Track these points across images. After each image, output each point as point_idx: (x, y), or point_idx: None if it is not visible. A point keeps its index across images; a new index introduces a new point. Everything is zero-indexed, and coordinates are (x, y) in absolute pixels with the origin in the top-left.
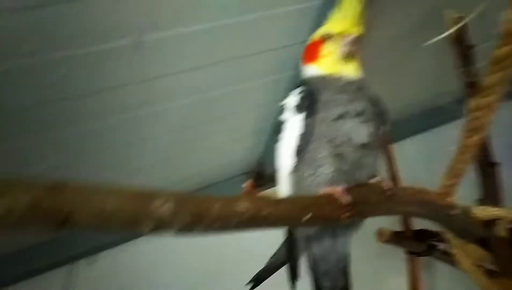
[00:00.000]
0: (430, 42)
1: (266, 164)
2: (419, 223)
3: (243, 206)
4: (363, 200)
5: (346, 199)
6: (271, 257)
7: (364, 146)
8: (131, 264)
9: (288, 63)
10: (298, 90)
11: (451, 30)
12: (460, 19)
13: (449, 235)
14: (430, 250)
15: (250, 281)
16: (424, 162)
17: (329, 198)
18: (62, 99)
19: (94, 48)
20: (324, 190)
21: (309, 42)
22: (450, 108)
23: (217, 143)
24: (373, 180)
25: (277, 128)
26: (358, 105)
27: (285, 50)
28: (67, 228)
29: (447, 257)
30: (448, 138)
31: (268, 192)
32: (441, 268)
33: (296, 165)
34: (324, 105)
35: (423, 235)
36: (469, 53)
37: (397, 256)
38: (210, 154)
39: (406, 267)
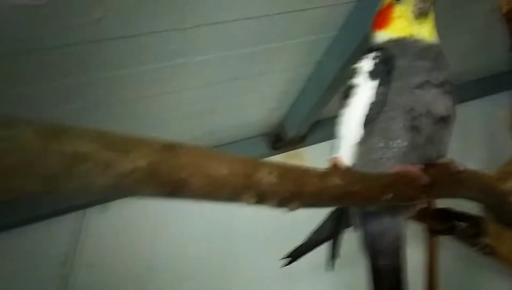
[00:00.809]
0: None
1: (287, 127)
2: (442, 202)
3: (335, 181)
4: (438, 181)
5: (424, 179)
6: (312, 233)
7: (442, 119)
8: (142, 217)
9: (333, 23)
10: (373, 54)
11: None
12: None
13: (489, 220)
14: (452, 230)
15: (287, 256)
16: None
17: (409, 177)
18: (90, 42)
19: None
20: (400, 168)
21: (379, 7)
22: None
23: (241, 102)
24: (444, 160)
25: (346, 92)
26: (440, 74)
27: (331, 9)
28: (179, 194)
29: (469, 238)
30: (483, 112)
31: (287, 155)
32: (453, 247)
33: (365, 136)
34: (402, 72)
35: (445, 215)
36: None
37: (417, 232)
38: (232, 113)
39: (426, 244)
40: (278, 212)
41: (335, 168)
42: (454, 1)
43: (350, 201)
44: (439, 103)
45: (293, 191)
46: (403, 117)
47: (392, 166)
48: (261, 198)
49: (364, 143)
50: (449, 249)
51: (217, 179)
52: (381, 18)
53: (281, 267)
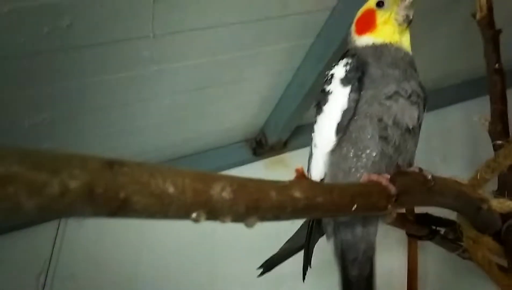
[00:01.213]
0: None
1: (268, 133)
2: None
3: (298, 193)
4: (406, 190)
5: (393, 188)
6: (286, 243)
7: (408, 130)
8: (123, 226)
9: (310, 30)
10: (345, 60)
11: None
12: (490, 1)
13: (465, 226)
14: (432, 235)
15: (261, 266)
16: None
17: (377, 187)
18: (59, 50)
19: None
20: (369, 177)
21: (361, 11)
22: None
23: (219, 109)
24: (413, 169)
25: (318, 98)
26: (409, 85)
27: (309, 16)
28: (122, 214)
29: (448, 243)
30: (465, 116)
31: (268, 161)
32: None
33: (336, 144)
34: (373, 81)
35: (426, 219)
36: (497, 38)
37: (398, 237)
38: (210, 119)
39: (407, 248)
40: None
41: (299, 180)
42: (434, 6)
43: (315, 213)
44: (406, 114)
45: (250, 206)
46: (373, 126)
47: (361, 176)
48: (213, 214)
49: (335, 152)
50: (432, 253)
51: (162, 197)
52: (363, 23)
53: (257, 277)
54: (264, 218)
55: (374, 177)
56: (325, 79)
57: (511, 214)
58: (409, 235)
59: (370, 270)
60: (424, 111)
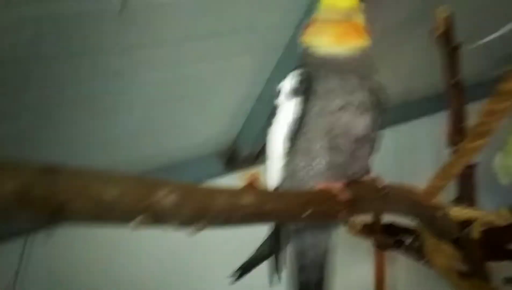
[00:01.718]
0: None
1: (241, 146)
2: (388, 217)
3: (247, 199)
4: (360, 198)
5: (345, 196)
6: (257, 249)
7: (361, 138)
8: (93, 241)
9: (278, 44)
10: (294, 73)
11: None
12: (449, 17)
13: (424, 234)
14: (397, 245)
15: (234, 273)
16: (393, 155)
17: (329, 194)
18: (23, 62)
19: (74, 7)
20: (322, 185)
21: (308, 21)
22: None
23: (191, 122)
24: (367, 177)
25: (271, 112)
26: (359, 95)
27: (276, 30)
28: (61, 219)
29: (413, 252)
30: (419, 133)
31: (241, 173)
32: (404, 262)
33: (289, 154)
34: (323, 93)
35: (391, 230)
36: (455, 54)
37: (366, 248)
38: (182, 132)
39: (374, 259)
40: (240, 230)
41: (250, 186)
42: (399, 22)
43: (266, 219)
44: (358, 123)
45: (196, 212)
46: (324, 137)
47: (314, 185)
48: (159, 219)
49: (287, 162)
50: (401, 263)
51: (104, 202)
52: (308, 31)
53: (230, 284)
54: (212, 223)
55: (326, 185)
56: (276, 92)
57: (469, 222)
58: (376, 245)
59: (322, 275)
60: (382, 115)
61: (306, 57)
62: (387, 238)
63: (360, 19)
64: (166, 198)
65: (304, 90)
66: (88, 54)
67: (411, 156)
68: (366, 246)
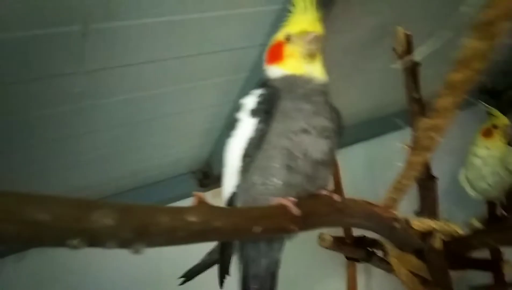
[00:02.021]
0: (400, 63)
1: (213, 164)
2: (359, 230)
3: (194, 217)
4: (314, 212)
5: (296, 211)
6: (207, 254)
7: (320, 162)
8: (65, 265)
9: (244, 65)
10: (258, 91)
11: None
12: (409, 36)
13: (387, 245)
14: (369, 257)
15: (182, 276)
16: (366, 170)
17: (281, 210)
18: None
19: (37, 31)
20: (275, 200)
21: (271, 43)
22: (393, 119)
23: (162, 141)
24: (322, 192)
25: (230, 124)
26: (321, 120)
27: (241, 51)
28: None
29: (384, 264)
30: (391, 147)
31: (214, 192)
32: (378, 274)
33: (245, 170)
34: (285, 115)
35: (362, 242)
36: (416, 70)
37: (338, 261)
38: (154, 152)
39: (346, 271)
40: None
41: (198, 204)
42: (365, 40)
43: (216, 237)
44: (316, 148)
45: (137, 232)
46: (282, 157)
47: (268, 200)
48: (96, 241)
49: (245, 176)
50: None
51: (34, 225)
52: (273, 53)
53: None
54: (154, 243)
55: (278, 200)
56: (238, 107)
57: (432, 233)
58: (348, 258)
59: (272, 286)
60: (338, 139)
61: (270, 76)
62: (358, 250)
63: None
64: (103, 219)
65: (266, 111)
66: (52, 77)
67: (383, 170)
68: (340, 259)
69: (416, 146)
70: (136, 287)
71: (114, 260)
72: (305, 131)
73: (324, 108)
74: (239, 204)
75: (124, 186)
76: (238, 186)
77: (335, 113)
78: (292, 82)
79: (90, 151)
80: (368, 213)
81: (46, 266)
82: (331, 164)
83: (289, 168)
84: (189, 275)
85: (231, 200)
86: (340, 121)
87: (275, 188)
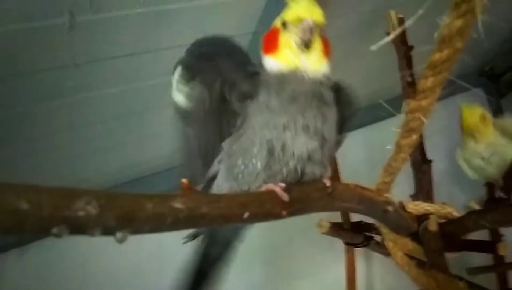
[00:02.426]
0: (377, 44)
1: None
2: (356, 216)
3: (179, 204)
4: (303, 197)
5: (285, 196)
6: None
7: (305, 159)
8: (68, 257)
9: None
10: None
11: (394, 34)
12: (402, 20)
13: (383, 229)
14: (367, 242)
15: (186, 237)
16: (364, 155)
17: (269, 195)
18: None
19: (23, 25)
20: (264, 186)
21: (269, 29)
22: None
23: (159, 132)
24: (313, 178)
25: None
26: (307, 118)
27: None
28: None
29: (382, 248)
30: (389, 133)
31: None
32: (378, 258)
33: (230, 152)
34: (270, 107)
35: (360, 227)
36: (409, 54)
37: (337, 246)
38: (152, 143)
39: (345, 257)
40: None
41: (184, 190)
42: (353, 27)
43: (203, 223)
44: (298, 145)
45: (121, 219)
46: (259, 144)
47: (255, 186)
48: (78, 228)
49: (230, 159)
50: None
51: (15, 213)
52: (268, 42)
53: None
54: (139, 230)
55: (268, 186)
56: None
57: (427, 216)
58: (346, 243)
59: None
60: (349, 123)
61: (263, 66)
62: (356, 235)
63: (320, 38)
64: (85, 206)
65: (249, 96)
66: (41, 71)
67: (381, 156)
68: (339, 244)
69: (404, 129)
70: (138, 279)
71: (117, 252)
72: (285, 127)
73: (312, 106)
74: (221, 183)
75: (121, 179)
76: (221, 163)
77: (343, 101)
78: (282, 80)
79: (87, 144)
80: (359, 197)
81: (49, 259)
82: (322, 161)
83: (269, 156)
84: (194, 235)
85: (213, 179)
86: (350, 108)
87: (255, 171)
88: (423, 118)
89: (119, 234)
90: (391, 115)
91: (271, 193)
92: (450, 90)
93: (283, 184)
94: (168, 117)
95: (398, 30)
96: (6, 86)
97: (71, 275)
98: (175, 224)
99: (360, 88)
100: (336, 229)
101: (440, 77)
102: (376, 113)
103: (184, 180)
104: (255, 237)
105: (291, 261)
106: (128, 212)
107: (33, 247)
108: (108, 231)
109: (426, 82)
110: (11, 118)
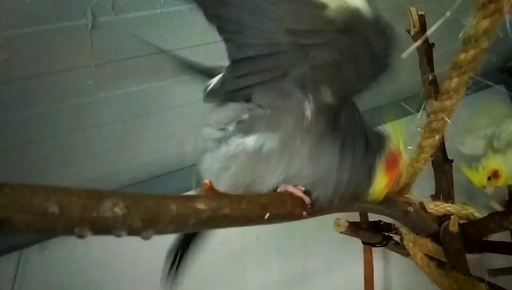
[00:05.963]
0: (407, 51)
1: None
2: (374, 215)
3: (202, 205)
4: None
5: (307, 198)
6: None
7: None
8: (88, 253)
9: None
10: None
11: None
12: (423, 17)
13: (403, 229)
14: (385, 241)
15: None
16: None
17: (290, 196)
18: (2, 81)
19: (46, 26)
20: (283, 187)
21: None
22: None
23: (176, 131)
24: None
25: None
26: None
27: None
28: (5, 232)
29: (400, 249)
30: (408, 131)
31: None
32: (396, 258)
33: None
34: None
35: (378, 227)
36: (430, 52)
37: (354, 246)
38: (169, 142)
39: (363, 256)
40: None
41: (207, 191)
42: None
43: (225, 224)
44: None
45: (147, 220)
46: None
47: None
48: (106, 229)
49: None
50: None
51: (46, 215)
52: None
53: None
54: (164, 231)
55: (289, 188)
56: None
57: (448, 216)
58: (364, 243)
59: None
60: None
61: None
62: (375, 235)
63: None
64: (112, 208)
65: None
66: (62, 71)
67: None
68: (356, 244)
69: (427, 129)
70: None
71: (135, 250)
72: None
73: None
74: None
75: (138, 177)
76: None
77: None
78: None
79: (105, 143)
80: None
81: (70, 255)
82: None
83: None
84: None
85: None
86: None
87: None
88: (446, 119)
89: (144, 233)
90: (409, 113)
91: (291, 194)
92: (471, 87)
93: (302, 187)
94: (186, 116)
95: (433, 28)
96: (27, 86)
97: (92, 270)
98: (198, 224)
99: (387, 84)
100: (354, 228)
101: (465, 77)
102: (396, 111)
103: (207, 181)
104: (271, 237)
105: (308, 261)
106: (153, 213)
107: (54, 242)
108: (133, 232)
109: (450, 83)
110: (32, 118)
